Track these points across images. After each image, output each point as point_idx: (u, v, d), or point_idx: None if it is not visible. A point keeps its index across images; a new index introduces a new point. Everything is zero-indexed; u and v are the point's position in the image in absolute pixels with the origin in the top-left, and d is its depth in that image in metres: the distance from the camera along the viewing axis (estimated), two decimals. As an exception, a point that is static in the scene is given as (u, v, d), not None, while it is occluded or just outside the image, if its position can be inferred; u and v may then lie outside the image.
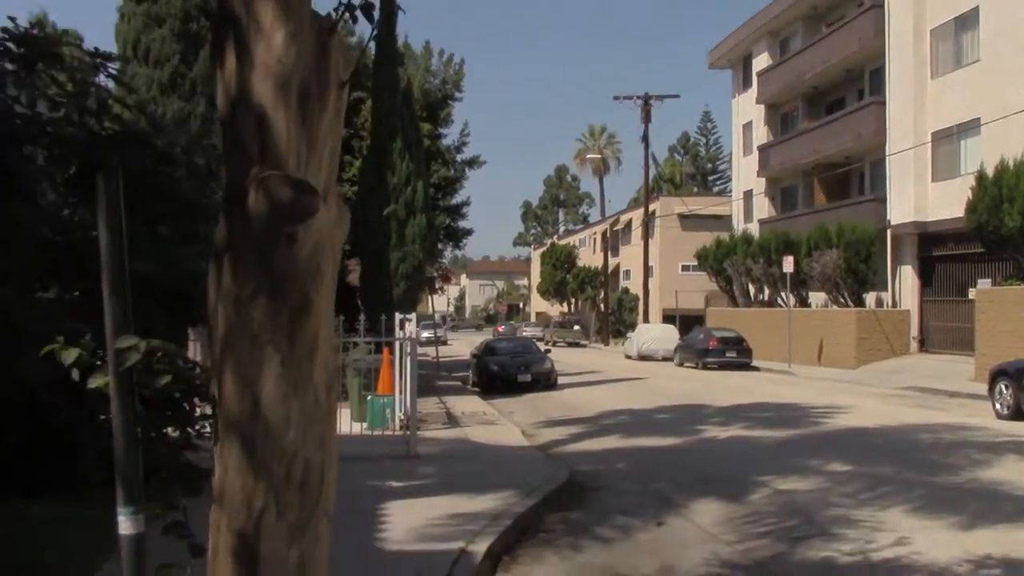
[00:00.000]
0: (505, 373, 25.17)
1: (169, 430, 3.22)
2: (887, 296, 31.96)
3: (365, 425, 15.03)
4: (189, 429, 3.37)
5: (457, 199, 29.65)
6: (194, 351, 13.42)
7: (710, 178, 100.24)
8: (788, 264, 31.39)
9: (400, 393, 15.26)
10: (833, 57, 34.86)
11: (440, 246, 29.91)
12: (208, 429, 2.93)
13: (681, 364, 34.88)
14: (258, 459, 2.28)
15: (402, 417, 14.85)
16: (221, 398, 2.33)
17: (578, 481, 11.10)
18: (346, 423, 14.07)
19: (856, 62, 34.52)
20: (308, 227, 2.29)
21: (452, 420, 17.17)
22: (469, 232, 30.27)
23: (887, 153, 31.30)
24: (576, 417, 18.37)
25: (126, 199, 2.86)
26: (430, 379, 27.98)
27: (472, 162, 29.69)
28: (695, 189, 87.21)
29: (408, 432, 12.84)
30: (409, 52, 28.50)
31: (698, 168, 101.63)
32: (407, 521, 8.47)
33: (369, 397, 15.38)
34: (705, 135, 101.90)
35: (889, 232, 31.29)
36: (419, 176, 22.27)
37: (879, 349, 29.73)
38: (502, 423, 16.97)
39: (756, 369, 31.97)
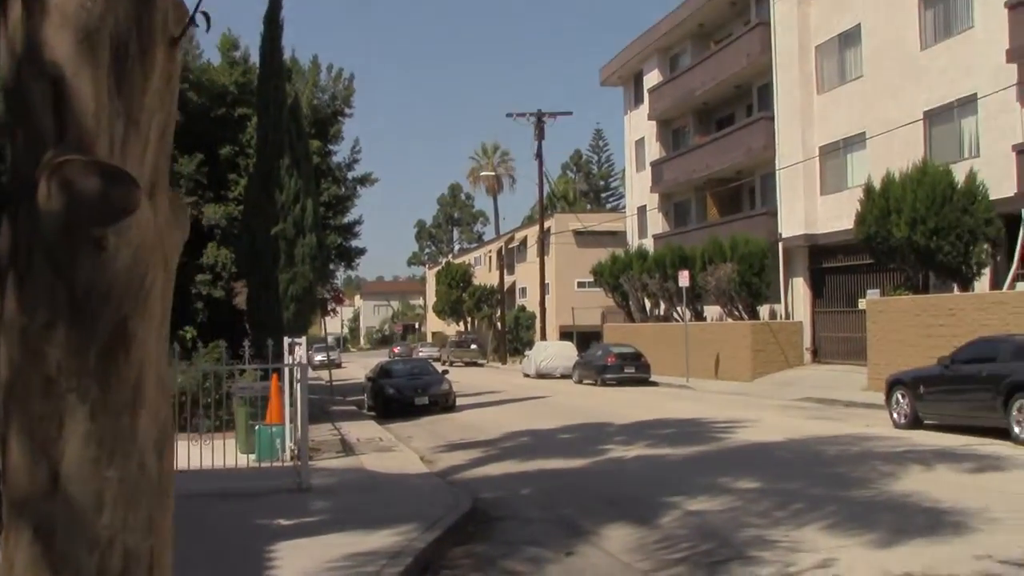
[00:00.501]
0: (402, 396, 24.43)
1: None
2: (780, 308, 32.41)
3: (253, 457, 14.14)
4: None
5: (349, 218, 28.77)
6: None
7: (603, 195, 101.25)
8: (684, 278, 31.53)
9: (291, 421, 14.44)
10: (722, 73, 35.33)
11: (332, 266, 28.96)
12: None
13: (580, 381, 34.64)
14: (58, 551, 1.62)
15: (292, 447, 14.04)
16: (5, 468, 1.67)
17: (482, 509, 10.53)
18: (231, 455, 13.20)
19: (745, 78, 35.06)
20: (124, 230, 1.65)
21: (347, 448, 16.38)
22: (362, 252, 29.43)
23: (777, 167, 31.80)
24: (476, 440, 17.79)
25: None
26: (324, 404, 27.04)
27: (363, 180, 28.84)
28: (588, 206, 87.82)
29: (299, 463, 12.06)
30: (296, 67, 27.61)
31: (591, 185, 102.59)
32: (299, 563, 7.76)
33: (257, 427, 14.50)
34: (597, 153, 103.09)
35: (781, 245, 31.74)
36: (308, 194, 21.42)
37: (774, 361, 30.03)
38: (399, 449, 16.27)
39: (655, 384, 31.93)
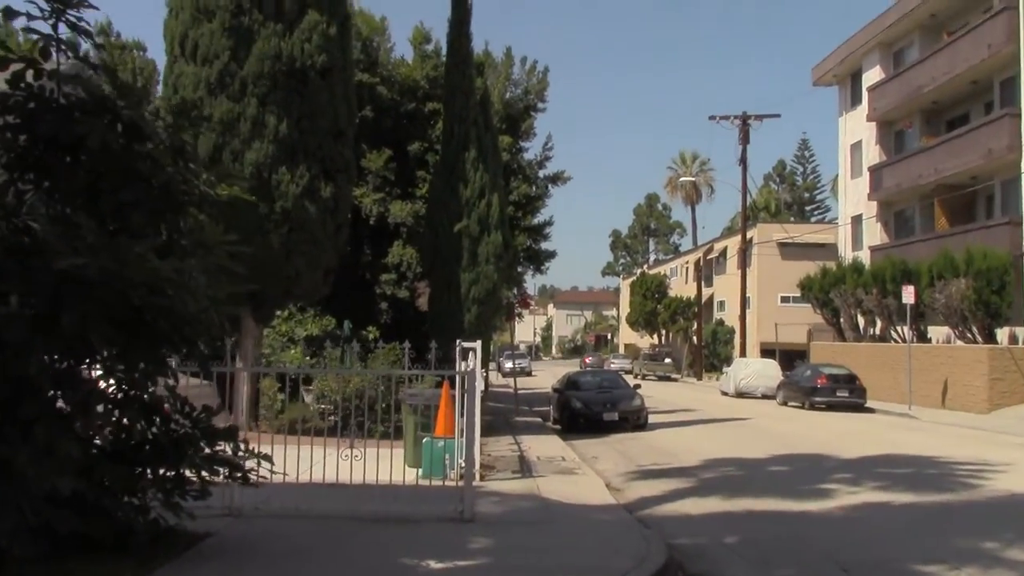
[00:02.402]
0: (589, 411, 22.57)
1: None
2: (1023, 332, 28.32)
3: (420, 472, 12.64)
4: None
5: (539, 219, 27.17)
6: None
7: (807, 208, 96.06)
8: (908, 295, 28.02)
9: (463, 435, 12.86)
10: (957, 67, 31.46)
11: (520, 269, 27.43)
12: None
13: (785, 403, 31.72)
14: None
15: (462, 465, 12.45)
16: None
17: (677, 562, 8.49)
18: (398, 468, 11.50)
19: (984, 72, 31.05)
20: None
21: (524, 467, 14.65)
22: (552, 255, 27.63)
23: (1022, 170, 27.80)
24: (672, 467, 15.67)
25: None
26: (508, 414, 25.59)
27: (555, 178, 27.13)
28: (792, 219, 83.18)
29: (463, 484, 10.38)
30: (489, 60, 26.30)
31: (795, 197, 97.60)
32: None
33: (425, 439, 13.00)
34: (802, 163, 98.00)
35: (1026, 260, 27.77)
36: (495, 189, 19.92)
37: (1016, 392, 26.15)
38: (582, 472, 14.38)
39: (870, 411, 28.67)
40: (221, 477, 7.94)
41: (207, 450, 7.74)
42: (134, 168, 7.19)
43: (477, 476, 12.24)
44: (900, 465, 15.35)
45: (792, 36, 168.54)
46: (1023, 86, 28.08)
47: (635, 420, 22.45)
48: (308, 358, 21.73)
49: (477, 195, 19.53)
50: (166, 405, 7.84)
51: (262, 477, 8.39)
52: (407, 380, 14.30)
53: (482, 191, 19.60)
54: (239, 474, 7.95)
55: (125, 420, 7.35)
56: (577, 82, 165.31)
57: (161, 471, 7.67)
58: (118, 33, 29.92)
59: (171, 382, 7.75)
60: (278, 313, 23.75)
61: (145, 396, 7.50)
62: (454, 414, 13.32)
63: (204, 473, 7.74)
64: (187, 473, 7.71)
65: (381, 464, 10.22)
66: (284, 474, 9.03)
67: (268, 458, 8.26)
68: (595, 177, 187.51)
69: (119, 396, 7.30)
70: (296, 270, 17.56)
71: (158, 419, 7.77)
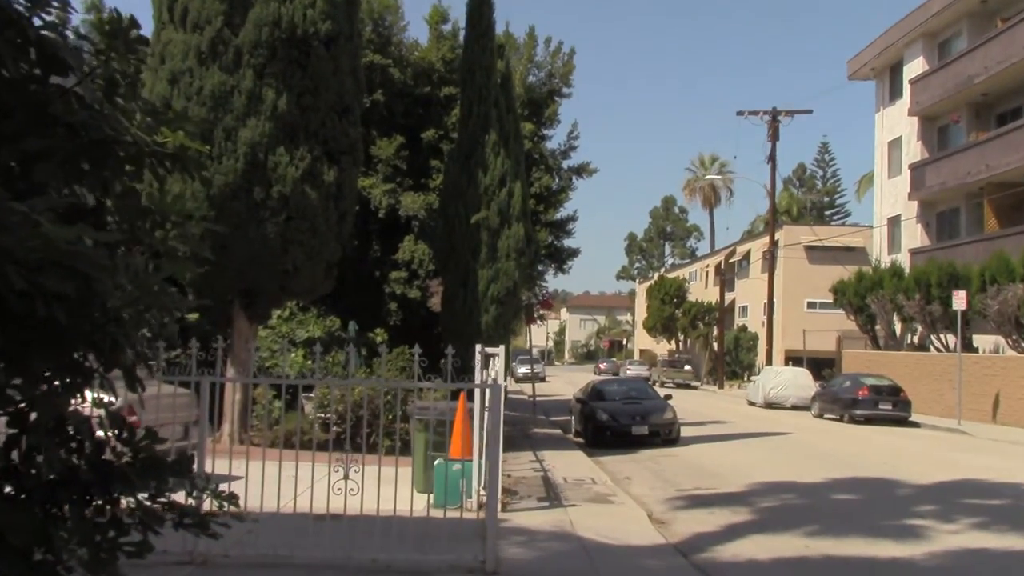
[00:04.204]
0: (616, 423, 20.57)
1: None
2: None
3: (432, 499, 10.57)
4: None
5: (562, 213, 25.15)
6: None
7: (827, 212, 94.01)
8: (960, 300, 25.87)
9: (480, 457, 10.93)
10: (1013, 55, 29.29)
11: (541, 267, 25.43)
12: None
13: (820, 415, 29.64)
14: None
15: (482, 493, 10.50)
16: None
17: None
18: (405, 495, 9.41)
19: (1043, 61, 28.95)
20: None
21: (551, 492, 12.68)
22: (575, 253, 25.56)
23: (1087, 167, 25.75)
24: (718, 491, 13.66)
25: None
26: (525, 425, 23.64)
27: (580, 170, 25.07)
28: (812, 224, 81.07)
29: (485, 515, 8.39)
30: (511, 41, 24.33)
31: (814, 202, 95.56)
32: None
33: (438, 461, 11.01)
34: (822, 167, 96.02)
35: (1091, 263, 25.65)
36: (517, 177, 17.96)
37: (1077, 407, 24.06)
38: (618, 499, 12.38)
39: (915, 425, 26.59)
40: (168, 524, 5.98)
41: (145, 490, 5.76)
42: (45, 108, 5.23)
43: (498, 507, 10.26)
44: (988, 494, 13.28)
45: (826, 31, 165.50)
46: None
47: (666, 434, 20.46)
48: (310, 362, 19.84)
49: (497, 183, 17.58)
50: (105, 427, 5.92)
51: (232, 516, 6.47)
52: (417, 392, 12.36)
53: (503, 179, 17.65)
54: (191, 522, 5.96)
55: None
56: (593, 81, 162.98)
57: (86, 515, 5.71)
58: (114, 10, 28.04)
59: (114, 399, 5.84)
60: (277, 313, 21.88)
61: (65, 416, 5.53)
62: (471, 431, 11.39)
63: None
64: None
65: (385, 488, 8.32)
66: (255, 519, 7.07)
67: (233, 498, 6.30)
68: (610, 179, 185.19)
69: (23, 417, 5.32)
70: (294, 263, 15.66)
71: (87, 445, 5.83)
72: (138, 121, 5.68)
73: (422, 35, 25.16)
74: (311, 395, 17.84)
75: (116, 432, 5.71)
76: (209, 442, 8.49)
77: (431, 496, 10.66)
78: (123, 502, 5.55)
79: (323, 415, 15.94)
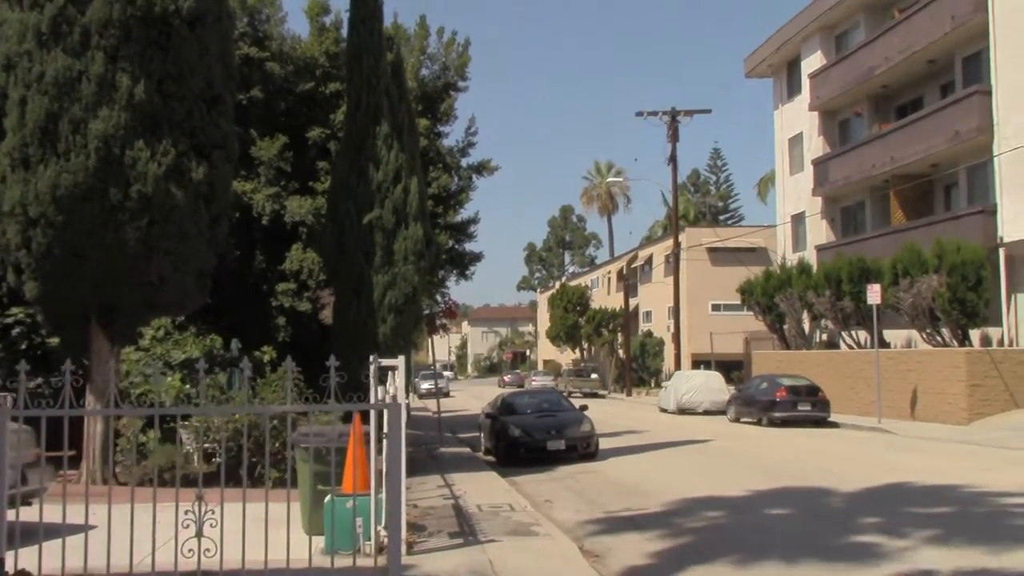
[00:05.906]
0: (530, 439, 19.05)
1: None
2: (999, 332, 25.74)
3: (322, 544, 8.73)
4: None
5: (463, 215, 23.51)
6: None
7: (721, 216, 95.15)
8: (874, 295, 25.16)
9: (379, 491, 9.25)
10: (914, 45, 28.93)
11: (442, 273, 23.70)
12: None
13: (737, 419, 28.71)
14: None
15: (382, 534, 8.82)
16: None
17: None
18: (294, 538, 7.53)
19: (944, 49, 28.56)
20: None
21: (464, 525, 11.03)
22: (478, 257, 23.86)
23: (995, 153, 25.36)
24: (649, 512, 12.22)
25: None
26: (431, 445, 21.93)
27: (481, 168, 23.46)
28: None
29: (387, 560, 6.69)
30: (400, 32, 22.66)
31: (708, 207, 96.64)
32: None
33: (328, 498, 9.18)
34: (715, 172, 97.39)
35: (1002, 252, 25.23)
36: (413, 172, 16.29)
37: (996, 399, 23.52)
38: (543, 530, 10.77)
39: (835, 425, 25.83)
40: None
41: None
42: None
43: (403, 549, 8.52)
44: (931, 501, 12.16)
45: (723, 28, 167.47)
46: (993, 60, 25.59)
47: (584, 448, 19.01)
48: (188, 386, 17.78)
49: (392, 179, 15.86)
50: None
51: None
52: (311, 416, 10.62)
53: (397, 174, 15.95)
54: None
55: None
56: (484, 88, 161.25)
57: None
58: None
59: None
60: (151, 333, 19.71)
61: None
62: (368, 459, 9.65)
63: None
64: None
65: (272, 529, 6.65)
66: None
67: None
68: (509, 186, 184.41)
69: None
70: (160, 274, 13.69)
71: None
72: None
73: (303, 29, 23.25)
74: (187, 423, 15.79)
75: None
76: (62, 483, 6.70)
77: (322, 540, 8.89)
78: None
79: (202, 446, 13.97)
